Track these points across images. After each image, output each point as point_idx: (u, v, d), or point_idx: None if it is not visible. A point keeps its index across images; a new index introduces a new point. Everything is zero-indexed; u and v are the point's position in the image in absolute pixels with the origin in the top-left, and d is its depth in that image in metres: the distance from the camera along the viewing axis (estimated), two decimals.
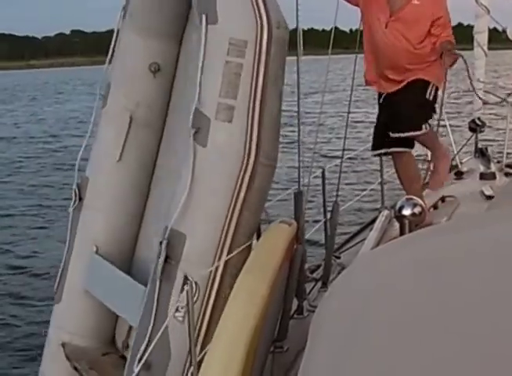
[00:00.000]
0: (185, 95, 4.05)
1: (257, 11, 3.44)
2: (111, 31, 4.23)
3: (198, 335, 3.41)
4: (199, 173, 3.50)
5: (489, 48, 8.33)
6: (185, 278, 3.44)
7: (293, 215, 4.17)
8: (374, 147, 5.55)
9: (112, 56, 4.20)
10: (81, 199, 4.21)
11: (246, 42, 3.44)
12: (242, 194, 3.48)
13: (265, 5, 3.46)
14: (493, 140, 12.77)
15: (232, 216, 3.48)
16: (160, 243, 3.48)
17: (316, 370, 1.60)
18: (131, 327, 4.11)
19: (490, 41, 8.29)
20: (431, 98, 5.16)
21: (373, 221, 6.27)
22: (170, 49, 4.12)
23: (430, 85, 5.11)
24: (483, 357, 1.40)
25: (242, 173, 3.46)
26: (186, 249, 3.48)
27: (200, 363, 3.15)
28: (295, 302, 4.50)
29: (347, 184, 11.66)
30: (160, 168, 4.24)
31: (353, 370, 1.51)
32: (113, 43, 4.19)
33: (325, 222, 5.60)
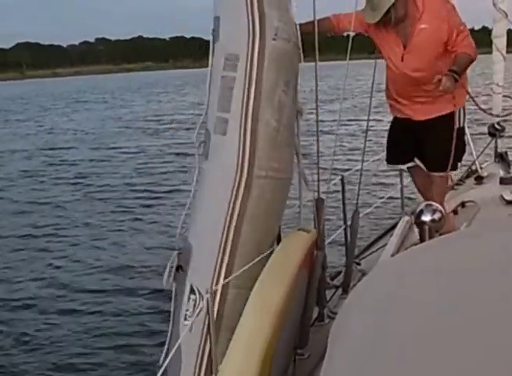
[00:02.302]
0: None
1: (251, 24, 3.48)
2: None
3: (205, 343, 3.45)
4: (201, 185, 3.64)
5: (508, 52, 8.29)
6: (191, 288, 3.52)
7: (313, 222, 4.17)
8: (393, 161, 5.63)
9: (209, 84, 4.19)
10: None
11: (238, 56, 3.49)
12: (237, 206, 3.52)
13: (260, 17, 3.49)
14: None
15: (229, 227, 3.52)
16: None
17: (339, 371, 1.60)
18: None
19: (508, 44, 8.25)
20: (462, 123, 5.24)
21: (394, 227, 6.25)
22: None
23: (457, 112, 5.16)
24: (505, 367, 1.40)
25: (236, 185, 3.51)
26: (193, 259, 3.57)
27: (208, 370, 3.20)
28: (316, 309, 4.50)
29: (366, 190, 11.65)
30: None
31: (374, 372, 1.51)
32: (209, 71, 4.01)
33: (345, 229, 5.59)
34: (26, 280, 11.17)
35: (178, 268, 3.59)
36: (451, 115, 5.11)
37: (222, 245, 3.51)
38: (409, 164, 5.53)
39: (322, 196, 4.18)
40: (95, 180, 20.68)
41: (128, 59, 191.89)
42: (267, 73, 3.52)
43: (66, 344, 8.54)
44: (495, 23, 8.05)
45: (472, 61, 4.92)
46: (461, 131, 5.26)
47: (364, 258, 5.95)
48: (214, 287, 3.38)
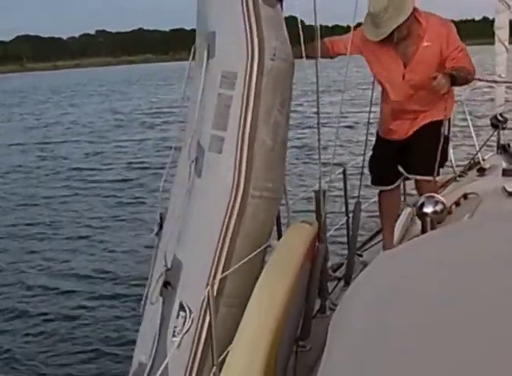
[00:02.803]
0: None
1: (249, 43, 3.45)
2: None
3: (194, 360, 3.47)
4: (193, 202, 3.61)
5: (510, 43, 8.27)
6: (181, 305, 3.51)
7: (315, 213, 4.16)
8: (379, 183, 5.54)
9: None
10: (161, 228, 4.25)
11: (236, 74, 3.47)
12: (231, 225, 3.51)
13: (259, 36, 3.47)
14: None
15: (222, 246, 3.51)
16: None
17: (336, 368, 1.59)
18: None
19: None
20: (447, 133, 5.15)
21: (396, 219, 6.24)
22: None
23: (446, 121, 5.07)
24: (507, 360, 1.39)
25: (231, 204, 3.49)
26: (183, 276, 3.56)
27: None
28: (318, 301, 4.50)
29: (368, 182, 11.61)
30: None
31: (373, 369, 1.51)
32: (185, 79, 4.11)
33: (347, 221, 5.59)
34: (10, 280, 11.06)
35: (166, 284, 3.59)
36: (440, 123, 5.01)
37: (215, 263, 3.51)
38: (395, 185, 5.46)
39: (324, 187, 4.16)
40: (88, 175, 20.57)
41: (129, 52, 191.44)
42: (264, 93, 3.50)
43: (36, 350, 8.41)
44: (497, 14, 8.04)
45: (470, 77, 4.87)
46: (446, 140, 5.17)
47: (366, 249, 5.95)
48: (205, 304, 3.37)
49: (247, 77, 3.46)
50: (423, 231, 4.13)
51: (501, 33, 8.14)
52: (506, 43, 8.15)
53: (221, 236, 3.51)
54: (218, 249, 3.51)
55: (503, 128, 8.12)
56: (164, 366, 3.26)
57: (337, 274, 5.34)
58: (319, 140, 4.15)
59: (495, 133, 8.09)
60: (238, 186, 3.49)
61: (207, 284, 3.40)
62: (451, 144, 8.13)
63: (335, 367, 1.62)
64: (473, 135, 8.31)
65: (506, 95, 8.57)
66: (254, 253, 3.57)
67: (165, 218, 4.24)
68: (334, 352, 1.68)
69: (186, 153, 4.15)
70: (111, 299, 9.96)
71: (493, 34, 8.17)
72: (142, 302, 4.42)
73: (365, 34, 4.71)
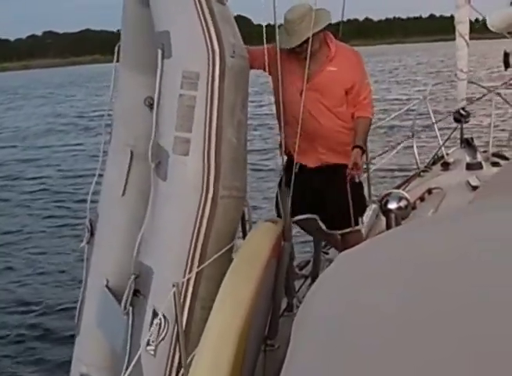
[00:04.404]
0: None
1: (208, 42, 3.42)
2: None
3: (171, 367, 3.45)
4: (160, 207, 3.56)
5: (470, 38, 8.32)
6: (154, 312, 3.46)
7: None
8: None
9: (112, 93, 4.20)
10: (92, 234, 4.24)
11: (198, 74, 3.43)
12: (203, 227, 3.50)
13: (217, 34, 3.44)
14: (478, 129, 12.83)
15: (195, 249, 3.50)
16: (129, 278, 3.59)
17: (299, 367, 1.59)
18: None
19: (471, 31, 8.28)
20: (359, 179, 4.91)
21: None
22: None
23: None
24: (466, 355, 1.39)
25: (202, 205, 3.48)
26: (154, 282, 3.52)
27: None
28: (285, 300, 4.49)
29: None
30: None
31: (335, 367, 1.50)
32: (112, 81, 4.18)
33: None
34: None
35: (136, 292, 3.55)
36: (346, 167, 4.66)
37: (189, 266, 3.49)
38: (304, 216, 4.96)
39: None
40: (17, 182, 19.68)
41: (76, 52, 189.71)
42: (227, 92, 3.48)
43: None
44: (457, 8, 8.08)
45: (371, 121, 4.80)
46: (360, 185, 5.03)
47: (332, 247, 5.95)
48: (180, 308, 3.34)
49: (210, 76, 3.43)
50: (388, 227, 4.15)
51: (461, 27, 8.19)
52: (467, 37, 8.20)
53: (194, 238, 3.49)
54: (191, 251, 3.49)
55: (466, 123, 8.19)
56: (135, 372, 3.22)
57: (304, 272, 5.34)
58: (281, 139, 4.15)
59: (458, 127, 8.17)
60: (208, 186, 3.47)
61: (181, 291, 3.38)
62: (414, 139, 8.21)
63: (298, 366, 1.61)
64: (436, 129, 8.38)
65: (467, 90, 8.63)
66: (222, 251, 3.55)
67: (95, 225, 4.22)
68: (297, 351, 1.67)
69: (116, 156, 4.14)
70: (44, 308, 9.68)
71: (453, 28, 8.23)
72: (77, 313, 4.39)
73: (281, 44, 4.28)
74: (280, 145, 4.22)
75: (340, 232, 4.99)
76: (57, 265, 11.52)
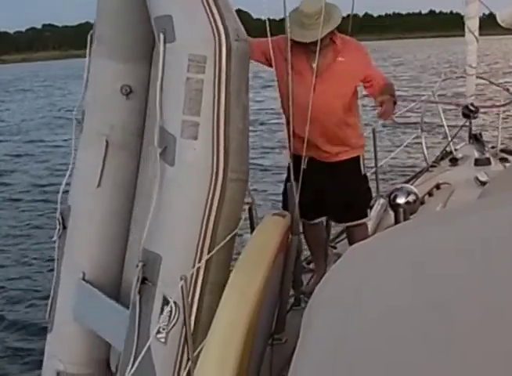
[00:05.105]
0: (156, 116, 4.08)
1: (214, 25, 3.39)
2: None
3: (182, 354, 3.43)
4: (168, 192, 3.50)
5: (480, 34, 8.30)
6: (164, 299, 3.42)
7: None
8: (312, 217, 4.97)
9: (86, 81, 4.11)
10: (65, 227, 4.17)
11: (206, 57, 3.38)
12: (213, 211, 3.46)
13: (221, 18, 3.41)
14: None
15: (205, 234, 3.46)
16: (137, 265, 3.51)
17: (309, 363, 1.59)
18: None
19: (481, 27, 8.26)
20: (364, 170, 5.00)
21: (369, 210, 6.26)
22: (141, 71, 4.03)
23: (361, 158, 4.91)
24: (474, 353, 1.39)
25: (212, 189, 3.44)
26: (163, 269, 3.47)
27: None
28: (293, 294, 4.49)
29: None
30: (138, 190, 4.17)
31: (345, 362, 1.50)
32: (86, 69, 4.11)
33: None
34: None
35: (144, 280, 3.50)
36: (358, 159, 4.85)
37: (199, 252, 3.46)
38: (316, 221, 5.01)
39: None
40: (8, 178, 19.38)
41: (76, 45, 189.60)
42: (233, 75, 3.45)
43: None
44: (467, 4, 8.06)
45: (394, 90, 4.70)
46: (366, 179, 5.05)
47: (340, 241, 5.96)
48: (191, 295, 3.33)
49: (217, 59, 3.39)
50: (397, 222, 4.15)
51: (471, 23, 8.17)
52: (476, 33, 8.18)
53: (204, 223, 3.45)
54: (201, 236, 3.46)
55: (474, 118, 8.17)
56: (145, 361, 3.21)
57: (311, 267, 5.34)
58: (288, 133, 4.13)
59: (467, 123, 8.15)
60: (218, 170, 3.43)
61: (191, 276, 3.38)
62: (423, 135, 8.20)
63: (308, 360, 1.62)
64: (444, 125, 8.36)
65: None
66: (231, 235, 3.55)
67: (68, 218, 4.15)
68: (307, 345, 1.67)
69: (90, 146, 4.07)
70: (15, 305, 9.66)
71: (463, 24, 8.21)
72: (48, 308, 4.29)
73: (295, 37, 4.32)
74: (289, 139, 4.19)
75: (346, 224, 5.03)
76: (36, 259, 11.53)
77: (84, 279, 4.06)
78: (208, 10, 3.41)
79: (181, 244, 3.51)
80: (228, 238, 3.52)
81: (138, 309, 3.51)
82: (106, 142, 4.00)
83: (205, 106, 3.41)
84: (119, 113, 4.03)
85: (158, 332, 3.40)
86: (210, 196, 3.44)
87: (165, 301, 3.41)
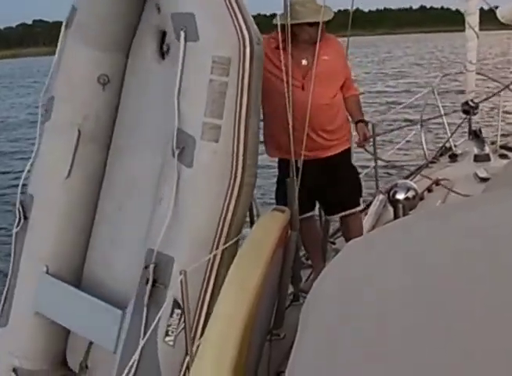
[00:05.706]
0: (129, 109, 4.01)
1: (238, 28, 3.37)
2: None
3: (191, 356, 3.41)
4: (183, 194, 3.44)
5: (481, 29, 8.29)
6: (175, 301, 3.38)
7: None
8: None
9: (57, 68, 4.02)
10: (26, 218, 4.06)
11: (230, 60, 3.35)
12: (229, 214, 3.45)
13: (245, 21, 3.40)
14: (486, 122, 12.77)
15: (220, 237, 3.45)
16: (146, 267, 3.45)
17: (307, 357, 1.59)
18: (89, 348, 4.00)
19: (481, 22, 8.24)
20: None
21: (369, 205, 6.26)
22: (118, 62, 3.99)
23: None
24: (468, 348, 1.39)
25: (229, 194, 3.43)
26: (175, 272, 3.41)
27: None
28: (291, 289, 4.49)
29: None
30: (107, 183, 4.12)
31: (342, 356, 1.50)
32: (57, 55, 4.01)
33: (319, 208, 5.58)
34: None
35: (154, 282, 3.44)
36: (349, 151, 4.95)
37: (213, 256, 3.44)
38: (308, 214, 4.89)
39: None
40: None
41: None
42: (254, 78, 3.44)
43: None
44: (467, 0, 8.05)
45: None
46: (355, 168, 5.13)
47: (339, 237, 5.95)
48: (203, 298, 3.31)
49: (241, 62, 3.37)
50: (396, 217, 4.15)
51: (471, 19, 8.15)
52: (476, 29, 8.16)
53: (220, 226, 3.44)
54: (216, 240, 3.44)
55: (474, 114, 8.16)
56: (152, 364, 3.20)
57: (310, 262, 5.33)
58: (290, 128, 4.12)
59: (467, 119, 8.14)
60: (236, 173, 3.43)
61: (203, 281, 3.36)
62: (422, 131, 8.19)
63: (306, 354, 1.61)
64: (444, 121, 8.36)
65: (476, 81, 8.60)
66: (237, 237, 3.56)
67: (30, 208, 4.04)
68: (305, 340, 1.67)
69: (59, 136, 3.98)
70: None
71: (463, 20, 8.19)
72: (2, 302, 4.17)
73: (302, 16, 4.37)
74: (289, 138, 4.16)
75: (340, 215, 5.01)
76: None
77: (48, 272, 3.98)
78: (232, 12, 3.38)
79: (195, 248, 3.46)
80: (233, 240, 3.53)
81: (145, 311, 3.45)
82: (79, 131, 3.93)
83: (228, 109, 3.38)
84: (94, 104, 3.96)
85: (166, 335, 3.38)
86: (228, 199, 3.43)
87: (176, 304, 3.38)
